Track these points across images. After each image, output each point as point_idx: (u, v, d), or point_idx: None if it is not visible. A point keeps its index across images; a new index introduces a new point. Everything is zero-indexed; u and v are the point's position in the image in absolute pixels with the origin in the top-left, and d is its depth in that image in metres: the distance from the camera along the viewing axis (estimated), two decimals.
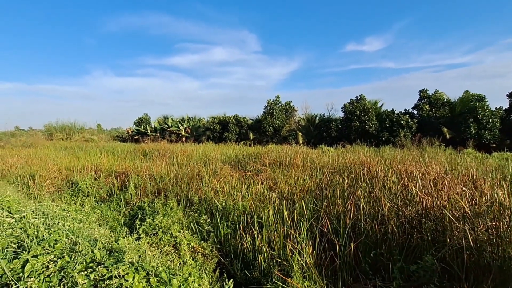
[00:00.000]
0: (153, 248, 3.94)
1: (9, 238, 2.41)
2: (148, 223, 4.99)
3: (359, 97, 22.22)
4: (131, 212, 6.45)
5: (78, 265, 1.86)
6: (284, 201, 4.77)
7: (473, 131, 15.72)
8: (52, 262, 1.90)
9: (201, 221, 4.84)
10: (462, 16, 52.71)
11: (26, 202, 4.27)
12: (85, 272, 1.76)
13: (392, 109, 21.65)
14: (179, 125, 26.88)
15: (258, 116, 25.20)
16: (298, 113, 24.78)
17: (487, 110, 15.65)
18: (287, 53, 68.37)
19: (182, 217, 5.57)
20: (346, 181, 6.67)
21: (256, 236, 3.89)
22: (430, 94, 19.35)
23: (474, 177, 4.82)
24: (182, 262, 3.46)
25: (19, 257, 1.97)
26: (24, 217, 2.94)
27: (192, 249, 4.07)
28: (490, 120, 15.34)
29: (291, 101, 25.23)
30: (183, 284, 1.81)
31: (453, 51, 53.05)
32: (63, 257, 1.97)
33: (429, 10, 53.17)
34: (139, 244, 2.89)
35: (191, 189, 6.96)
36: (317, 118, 23.77)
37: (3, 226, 2.54)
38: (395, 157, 9.71)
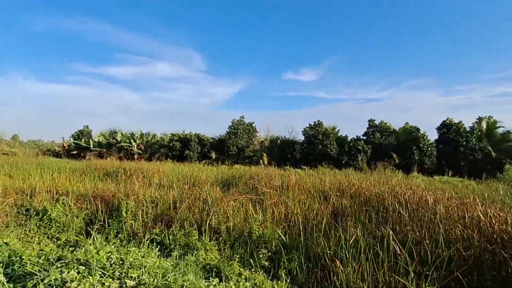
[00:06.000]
0: None
1: None
2: (191, 260, 4.17)
3: (317, 123, 23.87)
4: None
5: None
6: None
7: (416, 157, 18.33)
8: None
9: (260, 256, 4.27)
10: (377, 59, 65.19)
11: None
12: None
13: (346, 135, 23.91)
14: (131, 140, 24.26)
15: (220, 136, 24.65)
16: (261, 134, 25.16)
17: (426, 140, 18.58)
18: (231, 74, 70.78)
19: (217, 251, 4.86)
20: (352, 205, 6.90)
21: (351, 271, 3.59)
22: (377, 124, 22.03)
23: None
24: None
25: None
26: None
27: None
28: (429, 149, 18.20)
29: (253, 122, 25.57)
30: None
31: (371, 87, 64.35)
32: None
33: (351, 52, 64.59)
34: None
35: (207, 215, 6.19)
36: (279, 140, 24.50)
37: None
38: (376, 180, 10.45)
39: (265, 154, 22.06)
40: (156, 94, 73.51)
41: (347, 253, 4.05)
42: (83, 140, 25.14)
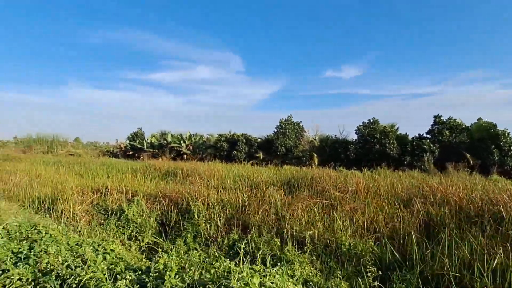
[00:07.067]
0: None
1: None
2: (287, 273, 3.68)
3: (372, 120, 22.13)
4: (230, 253, 4.95)
5: None
6: None
7: (496, 158, 15.87)
8: None
9: (368, 274, 3.62)
10: (424, 52, 59.46)
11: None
12: None
13: (406, 133, 21.80)
14: (181, 141, 25.13)
15: (267, 136, 24.30)
16: (309, 133, 24.23)
17: (508, 138, 15.99)
18: (269, 75, 71.07)
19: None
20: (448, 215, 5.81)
21: None
22: (445, 120, 19.64)
23: None
24: None
25: None
26: None
27: None
28: None
29: (301, 121, 24.74)
30: None
31: (418, 82, 58.95)
32: None
33: (395, 46, 60.05)
34: None
35: (278, 220, 5.73)
36: (329, 139, 23.31)
37: None
38: (458, 183, 8.97)
39: (315, 155, 21.10)
40: (197, 97, 77.17)
41: (484, 277, 3.21)
42: (137, 141, 26.74)
